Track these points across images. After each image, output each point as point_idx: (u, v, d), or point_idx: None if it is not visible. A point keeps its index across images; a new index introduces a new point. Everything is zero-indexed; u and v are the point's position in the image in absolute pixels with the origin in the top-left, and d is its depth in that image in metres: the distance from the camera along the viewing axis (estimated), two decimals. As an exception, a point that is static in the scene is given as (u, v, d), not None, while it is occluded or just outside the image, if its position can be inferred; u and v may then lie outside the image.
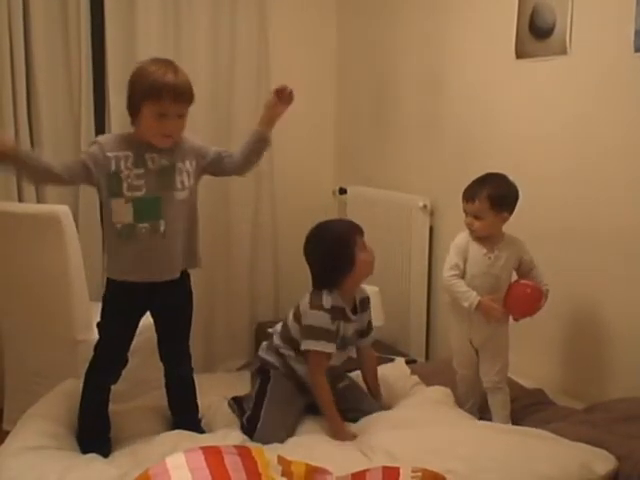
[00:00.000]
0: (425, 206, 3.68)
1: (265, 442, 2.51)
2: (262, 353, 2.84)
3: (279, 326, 2.84)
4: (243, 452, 2.07)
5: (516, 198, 2.71)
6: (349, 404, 2.79)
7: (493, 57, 3.30)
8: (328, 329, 2.66)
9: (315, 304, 2.69)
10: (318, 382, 2.67)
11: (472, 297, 2.69)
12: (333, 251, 2.71)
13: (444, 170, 3.66)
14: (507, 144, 3.27)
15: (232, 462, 1.99)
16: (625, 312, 2.79)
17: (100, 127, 3.94)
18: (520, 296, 2.71)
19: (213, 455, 2.00)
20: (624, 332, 2.79)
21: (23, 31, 3.64)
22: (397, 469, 2.05)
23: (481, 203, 2.67)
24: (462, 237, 2.77)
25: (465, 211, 2.73)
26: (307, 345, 2.67)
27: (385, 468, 2.08)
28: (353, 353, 2.87)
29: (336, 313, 2.69)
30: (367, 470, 2.11)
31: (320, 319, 2.66)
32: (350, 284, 2.74)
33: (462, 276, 2.75)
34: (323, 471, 2.13)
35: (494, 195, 2.66)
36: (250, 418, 2.71)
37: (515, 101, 3.21)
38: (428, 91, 3.75)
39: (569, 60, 2.93)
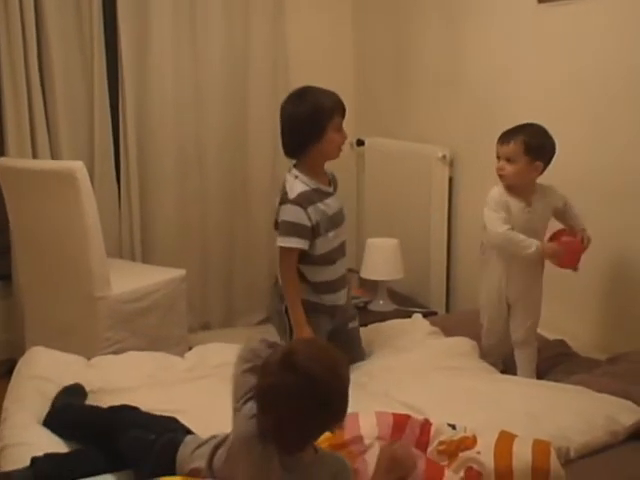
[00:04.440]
0: (444, 156, 3.62)
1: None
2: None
3: None
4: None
5: (552, 152, 2.64)
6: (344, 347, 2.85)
7: (514, 3, 3.20)
8: (301, 224, 2.60)
9: (285, 199, 2.64)
10: (288, 278, 2.65)
11: (535, 242, 2.62)
12: (305, 116, 2.62)
13: (463, 120, 3.59)
14: (529, 91, 3.18)
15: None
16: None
17: (114, 103, 3.93)
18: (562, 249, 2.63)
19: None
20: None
21: (35, 16, 3.61)
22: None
23: (516, 145, 2.59)
24: (496, 191, 2.68)
25: (498, 155, 2.65)
26: (279, 242, 2.64)
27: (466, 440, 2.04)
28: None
29: (309, 197, 2.63)
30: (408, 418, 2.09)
31: (292, 213, 2.61)
32: (315, 158, 2.67)
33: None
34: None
35: (530, 141, 2.60)
36: None
37: (537, 47, 3.12)
38: (448, 40, 3.66)
39: (592, 3, 2.83)
